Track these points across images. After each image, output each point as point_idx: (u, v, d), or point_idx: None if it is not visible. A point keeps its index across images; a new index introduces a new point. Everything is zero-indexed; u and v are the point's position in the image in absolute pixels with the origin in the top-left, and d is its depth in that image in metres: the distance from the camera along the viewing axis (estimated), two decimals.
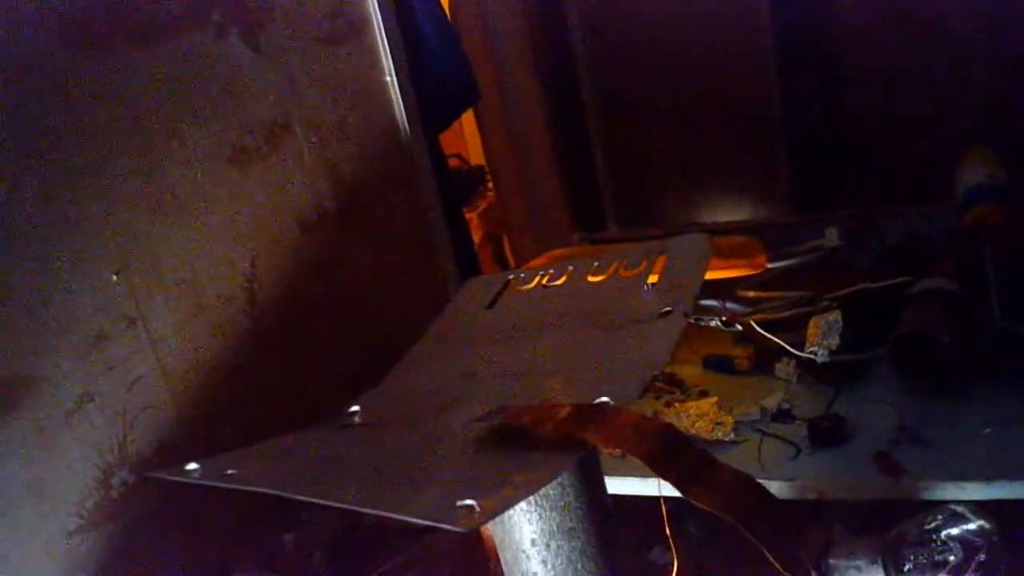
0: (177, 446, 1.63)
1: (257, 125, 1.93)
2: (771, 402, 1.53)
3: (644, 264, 1.04)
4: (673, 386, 1.62)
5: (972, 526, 0.77)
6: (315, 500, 0.77)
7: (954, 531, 0.77)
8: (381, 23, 2.13)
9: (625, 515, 1.63)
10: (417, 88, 2.26)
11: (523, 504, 0.88)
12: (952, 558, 0.75)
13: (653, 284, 1.00)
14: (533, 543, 0.91)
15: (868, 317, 1.58)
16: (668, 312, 0.93)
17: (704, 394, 1.57)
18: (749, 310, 1.69)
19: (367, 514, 1.74)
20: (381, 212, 2.26)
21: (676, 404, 1.54)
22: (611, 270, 1.06)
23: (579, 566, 0.92)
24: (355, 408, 0.94)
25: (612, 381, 0.84)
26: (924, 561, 0.76)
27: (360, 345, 1.98)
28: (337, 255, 2.08)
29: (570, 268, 1.11)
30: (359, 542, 1.88)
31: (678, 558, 1.06)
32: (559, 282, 1.09)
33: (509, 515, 0.89)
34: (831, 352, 1.53)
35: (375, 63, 2.29)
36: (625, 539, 1.75)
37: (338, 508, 1.80)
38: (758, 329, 1.62)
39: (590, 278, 1.07)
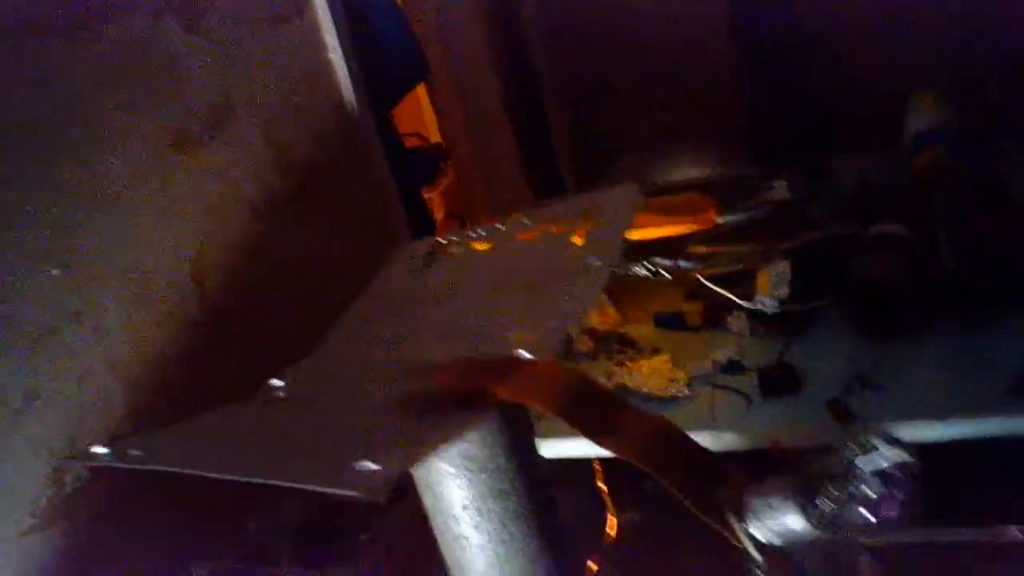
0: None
1: (199, 109, 1.90)
2: (722, 355, 1.52)
3: (573, 219, 1.03)
4: (625, 346, 1.61)
5: (889, 457, 0.75)
6: (214, 475, 0.75)
7: (870, 464, 0.75)
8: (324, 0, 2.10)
9: (582, 476, 1.63)
10: (364, 65, 2.23)
11: (450, 468, 0.87)
12: (868, 492, 0.74)
13: (581, 238, 0.98)
14: (464, 507, 0.90)
15: (820, 266, 1.57)
16: (594, 265, 0.91)
17: (657, 352, 1.56)
18: (701, 266, 1.68)
19: (275, 486, 1.73)
20: (334, 193, 2.23)
21: (628, 363, 1.53)
22: (540, 227, 1.05)
23: (512, 529, 0.91)
24: (278, 382, 0.92)
25: (531, 336, 0.83)
26: (838, 496, 0.75)
27: (315, 329, 1.95)
28: (289, 238, 2.06)
29: (500, 228, 1.09)
30: (325, 523, 1.87)
31: (639, 519, 1.05)
32: (488, 243, 1.07)
33: (437, 480, 0.88)
34: (781, 302, 1.52)
35: (319, 41, 2.26)
36: (586, 500, 1.75)
37: (303, 490, 1.79)
38: (708, 284, 1.61)
39: (519, 237, 1.06)
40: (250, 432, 0.86)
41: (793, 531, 0.78)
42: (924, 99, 1.80)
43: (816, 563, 0.78)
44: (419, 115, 3.35)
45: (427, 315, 0.99)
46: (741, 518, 0.79)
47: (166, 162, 1.79)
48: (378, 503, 0.63)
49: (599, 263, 0.92)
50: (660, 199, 1.76)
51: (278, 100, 2.11)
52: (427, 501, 0.93)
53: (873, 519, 0.75)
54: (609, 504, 1.00)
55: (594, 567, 0.96)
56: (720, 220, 1.67)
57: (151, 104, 1.79)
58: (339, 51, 2.24)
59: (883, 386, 1.40)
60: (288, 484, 0.69)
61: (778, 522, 0.78)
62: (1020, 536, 0.74)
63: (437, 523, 0.92)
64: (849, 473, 0.75)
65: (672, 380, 1.50)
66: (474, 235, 1.11)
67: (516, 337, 0.84)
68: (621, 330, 1.70)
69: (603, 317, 1.71)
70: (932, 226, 1.50)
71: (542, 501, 0.94)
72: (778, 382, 1.42)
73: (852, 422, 1.34)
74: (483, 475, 0.89)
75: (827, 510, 0.75)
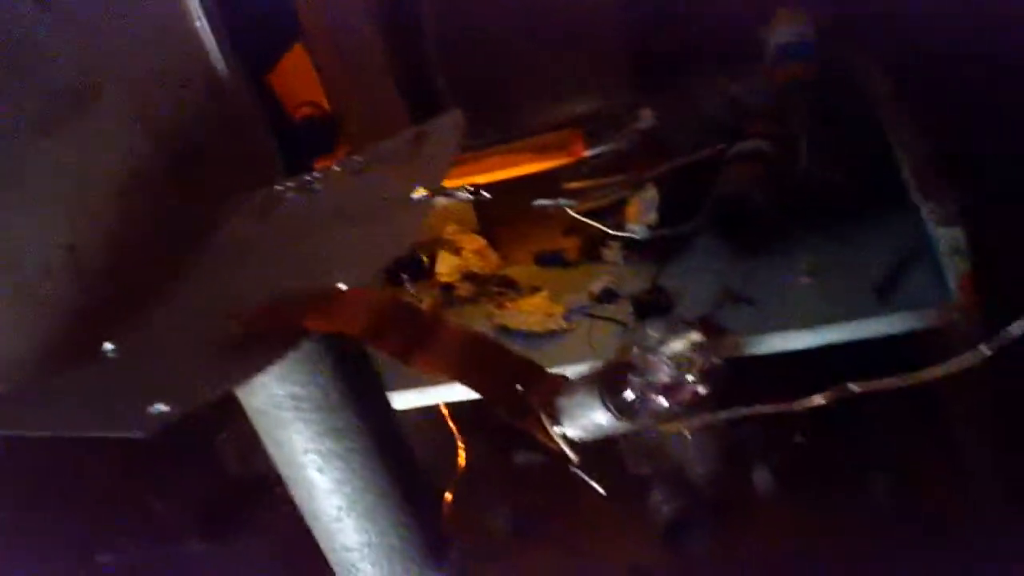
0: (7, 439, 1.56)
1: (61, 88, 1.83)
2: (597, 286, 1.52)
3: (401, 152, 1.01)
4: (505, 287, 1.60)
5: (678, 342, 0.76)
6: (15, 432, 0.73)
7: (662, 351, 0.75)
8: None
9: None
10: (232, 30, 2.17)
11: (284, 413, 0.86)
12: (663, 377, 0.74)
13: (407, 169, 0.96)
14: (305, 451, 0.88)
15: (688, 190, 1.58)
16: (418, 194, 0.90)
17: (537, 290, 1.55)
18: (576, 202, 1.67)
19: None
20: (211, 164, 2.17)
21: (508, 304, 1.52)
22: (372, 163, 1.03)
23: (355, 466, 0.89)
24: (109, 345, 0.89)
25: (349, 268, 0.81)
26: (639, 383, 0.75)
27: None
28: (167, 214, 2.00)
29: (335, 170, 1.07)
30: (226, 498, 1.85)
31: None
32: (322, 185, 1.05)
33: (274, 425, 0.86)
34: (651, 228, 1.52)
35: (184, 9, 2.19)
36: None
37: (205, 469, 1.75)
38: (580, 218, 1.61)
39: (351, 176, 1.04)
40: (70, 392, 0.83)
41: (601, 426, 0.78)
42: (784, 16, 1.80)
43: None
44: (315, 84, 3.27)
45: (259, 262, 0.97)
46: (555, 420, 0.79)
47: (30, 146, 1.73)
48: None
49: (422, 192, 0.90)
50: (532, 139, 1.75)
51: (144, 74, 2.04)
52: (272, 453, 0.91)
53: (669, 404, 0.76)
54: (458, 438, 0.99)
55: (448, 497, 0.95)
56: (587, 153, 1.66)
57: (8, 88, 1.72)
58: (204, 19, 2.17)
59: (753, 300, 1.41)
60: (75, 434, 0.67)
61: (587, 419, 0.79)
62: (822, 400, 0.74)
63: (286, 476, 0.91)
64: (644, 363, 0.75)
65: (550, 316, 1.49)
66: (310, 179, 1.08)
67: (338, 274, 0.83)
68: (502, 272, 1.69)
69: (484, 261, 1.70)
70: (792, 134, 1.51)
71: (387, 438, 0.92)
72: (651, 306, 1.43)
73: (722, 336, 1.35)
74: (317, 415, 0.87)
75: (627, 401, 0.76)
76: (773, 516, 1.57)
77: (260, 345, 0.74)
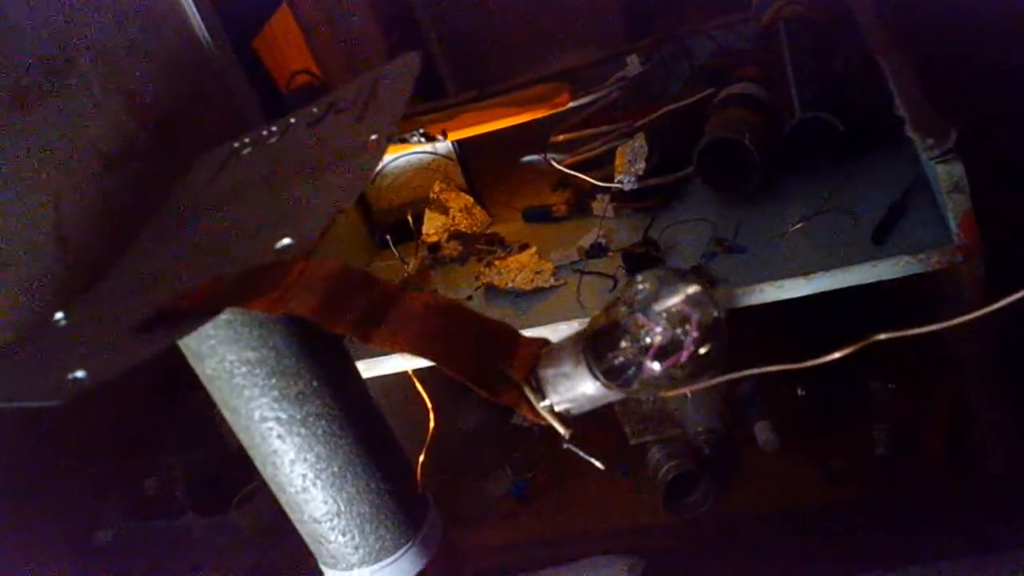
0: (2, 418, 1.54)
1: (35, 63, 1.79)
2: (586, 240, 1.46)
3: (356, 98, 0.96)
4: (494, 245, 1.55)
5: (677, 296, 0.68)
6: None
7: (659, 306, 0.68)
8: None
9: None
10: None
11: (240, 380, 0.81)
12: (658, 339, 0.66)
13: (361, 115, 0.91)
14: (263, 418, 0.84)
15: (677, 138, 1.52)
16: (371, 139, 0.85)
17: (525, 247, 1.50)
18: (564, 156, 1.62)
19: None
20: (195, 134, 2.13)
21: (496, 262, 1.47)
22: (328, 113, 0.98)
23: (318, 431, 0.85)
24: (60, 314, 0.85)
25: (300, 221, 0.76)
26: (627, 347, 0.68)
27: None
28: (152, 185, 1.96)
29: (291, 122, 1.02)
30: (220, 473, 1.82)
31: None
32: (278, 138, 1.00)
33: (229, 392, 0.82)
34: (639, 178, 1.47)
35: None
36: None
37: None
38: (568, 171, 1.56)
39: (307, 127, 0.99)
40: (8, 360, 0.79)
41: (590, 396, 0.72)
42: None
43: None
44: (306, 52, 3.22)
45: (211, 219, 0.92)
46: (541, 394, 0.72)
47: (7, 122, 1.69)
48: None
49: (375, 137, 0.85)
50: (518, 93, 1.69)
51: (122, 44, 2.00)
52: (231, 422, 0.87)
53: (664, 369, 0.69)
54: (429, 405, 0.94)
55: (421, 459, 0.91)
56: (573, 104, 1.60)
57: None
58: None
59: (746, 248, 1.35)
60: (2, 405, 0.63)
61: (574, 391, 0.71)
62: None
63: (247, 446, 0.87)
64: (633, 323, 0.68)
65: (539, 272, 1.44)
66: (266, 133, 1.04)
67: (285, 226, 0.78)
68: (489, 230, 1.64)
69: (471, 219, 1.66)
70: (780, 76, 1.45)
71: (352, 401, 0.88)
72: (641, 259, 1.38)
73: (714, 286, 1.29)
74: (274, 379, 0.83)
75: (617, 367, 0.69)
76: (775, 472, 1.52)
77: (171, 321, 0.69)
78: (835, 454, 1.51)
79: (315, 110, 1.01)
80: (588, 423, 0.76)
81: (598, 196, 1.55)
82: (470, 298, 1.48)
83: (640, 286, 0.69)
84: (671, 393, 0.71)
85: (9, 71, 1.72)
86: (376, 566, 0.90)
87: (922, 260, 1.22)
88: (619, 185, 1.48)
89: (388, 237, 1.60)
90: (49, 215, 1.76)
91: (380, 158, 0.84)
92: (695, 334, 0.67)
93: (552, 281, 1.43)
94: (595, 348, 0.70)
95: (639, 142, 1.48)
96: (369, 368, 1.36)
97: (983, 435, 1.38)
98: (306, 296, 0.69)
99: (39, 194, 1.73)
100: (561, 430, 0.73)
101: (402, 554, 0.91)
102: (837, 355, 0.69)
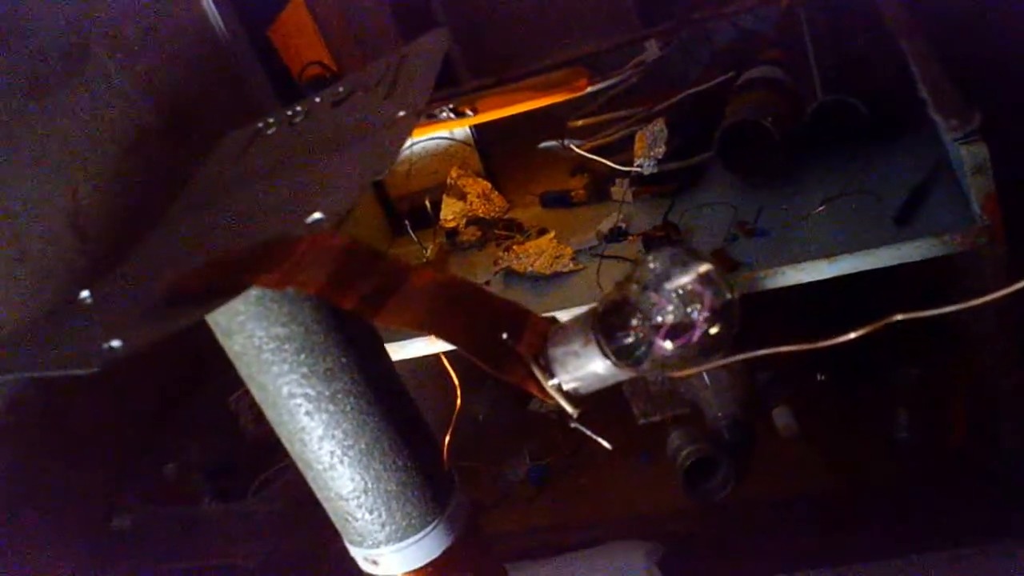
0: (24, 404, 1.55)
1: (51, 51, 1.80)
2: (606, 225, 1.46)
3: (384, 75, 0.96)
4: (512, 230, 1.55)
5: (689, 274, 0.67)
6: None
7: (670, 284, 0.67)
8: None
9: None
10: None
11: (266, 355, 0.81)
12: (669, 317, 0.66)
13: (390, 91, 0.91)
14: (292, 395, 0.84)
15: (697, 121, 1.51)
16: (399, 115, 0.85)
17: (544, 232, 1.50)
18: (582, 141, 1.62)
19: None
20: (210, 119, 2.13)
21: (515, 247, 1.47)
22: (354, 91, 0.97)
23: (347, 408, 0.85)
24: (85, 292, 0.85)
25: (328, 195, 0.76)
26: (638, 325, 0.67)
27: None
28: (168, 171, 1.96)
29: (316, 101, 1.02)
30: (238, 461, 1.83)
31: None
32: (303, 118, 1.00)
33: (257, 369, 0.82)
34: (659, 162, 1.46)
35: None
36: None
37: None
38: (587, 155, 1.55)
39: (334, 105, 0.99)
40: (38, 335, 0.79)
41: (599, 375, 0.70)
42: None
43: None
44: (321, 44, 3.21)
45: (237, 198, 0.92)
46: (550, 373, 0.71)
47: (24, 110, 1.70)
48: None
49: (404, 113, 0.85)
50: (535, 78, 1.69)
51: (136, 31, 2.01)
52: (259, 399, 0.86)
53: (675, 348, 0.68)
54: (456, 382, 0.94)
55: (448, 438, 0.90)
56: (592, 88, 1.59)
57: None
58: None
59: (768, 232, 1.35)
60: (37, 374, 0.63)
61: (583, 369, 0.70)
62: None
63: (274, 423, 0.87)
64: (644, 301, 0.67)
65: (557, 257, 1.44)
66: (291, 113, 1.03)
67: (315, 201, 0.78)
68: (507, 216, 1.64)
69: (489, 205, 1.65)
70: (802, 59, 1.44)
71: (379, 378, 0.88)
72: (661, 241, 1.37)
73: (736, 271, 1.29)
74: (302, 356, 0.83)
75: (627, 346, 0.68)
76: (794, 458, 1.52)
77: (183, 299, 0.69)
78: (855, 440, 1.50)
79: (340, 89, 1.01)
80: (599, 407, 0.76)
81: (617, 181, 1.54)
82: (488, 283, 1.48)
83: (652, 264, 0.68)
84: (681, 373, 0.70)
85: (26, 60, 1.73)
86: (402, 543, 0.90)
87: (946, 242, 1.21)
88: (638, 169, 1.48)
89: (406, 223, 1.60)
90: (66, 201, 1.77)
91: (409, 133, 0.84)
92: (706, 313, 0.66)
93: (572, 265, 1.42)
94: (605, 326, 0.69)
95: (659, 126, 1.48)
96: (395, 352, 1.36)
97: (1006, 421, 1.37)
98: (314, 271, 0.69)
99: (56, 181, 1.74)
100: (569, 409, 0.71)
101: (429, 531, 0.91)
102: (852, 335, 0.67)
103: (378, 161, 0.80)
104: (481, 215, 1.63)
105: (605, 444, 0.76)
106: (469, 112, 1.44)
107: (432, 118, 1.31)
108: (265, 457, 1.84)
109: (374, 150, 0.82)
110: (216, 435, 1.87)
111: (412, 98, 0.87)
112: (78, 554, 1.71)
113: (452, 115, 1.29)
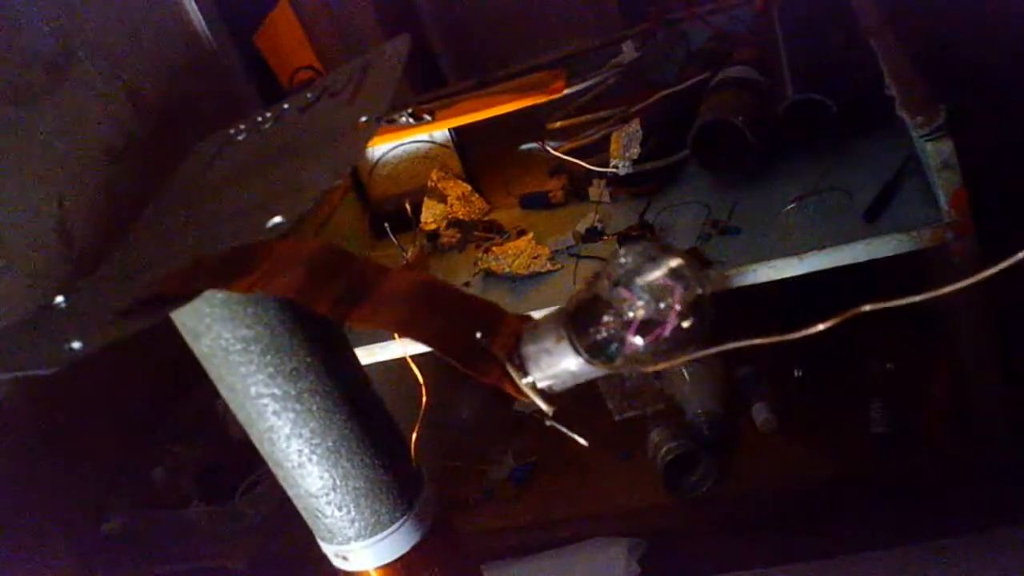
0: (13, 410, 1.57)
1: (35, 59, 1.81)
2: (582, 225, 1.48)
3: (348, 80, 0.97)
4: (491, 232, 1.56)
5: (660, 269, 0.67)
6: None
7: (641, 280, 0.67)
8: None
9: None
10: None
11: (233, 356, 0.83)
12: (640, 313, 0.66)
13: (353, 97, 0.93)
14: (259, 395, 0.86)
15: (672, 122, 1.53)
16: (361, 121, 0.86)
17: (522, 233, 1.52)
18: (564, 143, 1.63)
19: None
20: (196, 126, 2.15)
21: (494, 248, 1.48)
22: (320, 97, 0.99)
23: (313, 406, 0.86)
24: (60, 298, 0.87)
25: (289, 199, 0.78)
26: (611, 322, 0.67)
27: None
28: (154, 178, 1.98)
29: (284, 107, 1.04)
30: (224, 463, 1.84)
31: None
32: (272, 123, 1.02)
33: (224, 370, 0.84)
34: (634, 163, 1.48)
35: None
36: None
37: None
38: (564, 157, 1.57)
39: (299, 111, 1.00)
40: (9, 341, 0.81)
41: (572, 372, 0.70)
42: None
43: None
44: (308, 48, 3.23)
45: (206, 204, 0.94)
46: (523, 371, 0.72)
47: (7, 118, 1.71)
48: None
49: (366, 118, 0.87)
50: (513, 81, 1.71)
51: (121, 39, 2.02)
52: (227, 398, 0.88)
53: (647, 344, 0.68)
54: (421, 380, 0.95)
55: (414, 436, 0.92)
56: (568, 90, 1.61)
57: None
58: None
59: (740, 230, 1.36)
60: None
61: (556, 367, 0.70)
62: None
63: (243, 422, 0.88)
64: (616, 297, 0.67)
65: (535, 258, 1.46)
66: (260, 119, 1.05)
67: (275, 205, 0.79)
68: (487, 218, 1.66)
69: (469, 207, 1.67)
70: (774, 58, 1.46)
71: (346, 377, 0.89)
72: (635, 241, 1.38)
73: (708, 268, 1.30)
74: (268, 356, 0.84)
75: (599, 342, 0.68)
76: (773, 453, 1.53)
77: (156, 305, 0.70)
78: (834, 434, 1.52)
79: (308, 95, 1.03)
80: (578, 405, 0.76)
81: (594, 181, 1.56)
82: (468, 284, 1.50)
83: (622, 260, 0.67)
84: (654, 368, 0.71)
85: (10, 66, 1.74)
86: (372, 539, 0.91)
87: (914, 238, 1.22)
88: (614, 170, 1.49)
89: (387, 226, 1.62)
90: (53, 209, 1.78)
91: (370, 138, 0.86)
92: (677, 307, 0.67)
93: (549, 266, 1.44)
94: (577, 323, 0.69)
95: (634, 127, 1.49)
96: (367, 355, 1.38)
97: (982, 411, 1.39)
98: (287, 276, 0.69)
99: (42, 189, 1.75)
100: (544, 407, 0.71)
101: (397, 527, 0.92)
102: (821, 326, 0.68)
103: (338, 166, 0.81)
104: (461, 217, 1.65)
105: (581, 441, 0.76)
106: (427, 117, 1.46)
107: (392, 123, 1.33)
108: (252, 460, 1.85)
109: (335, 154, 0.84)
110: (203, 438, 1.89)
111: (373, 104, 0.88)
112: (68, 557, 1.73)
113: (411, 120, 1.31)
